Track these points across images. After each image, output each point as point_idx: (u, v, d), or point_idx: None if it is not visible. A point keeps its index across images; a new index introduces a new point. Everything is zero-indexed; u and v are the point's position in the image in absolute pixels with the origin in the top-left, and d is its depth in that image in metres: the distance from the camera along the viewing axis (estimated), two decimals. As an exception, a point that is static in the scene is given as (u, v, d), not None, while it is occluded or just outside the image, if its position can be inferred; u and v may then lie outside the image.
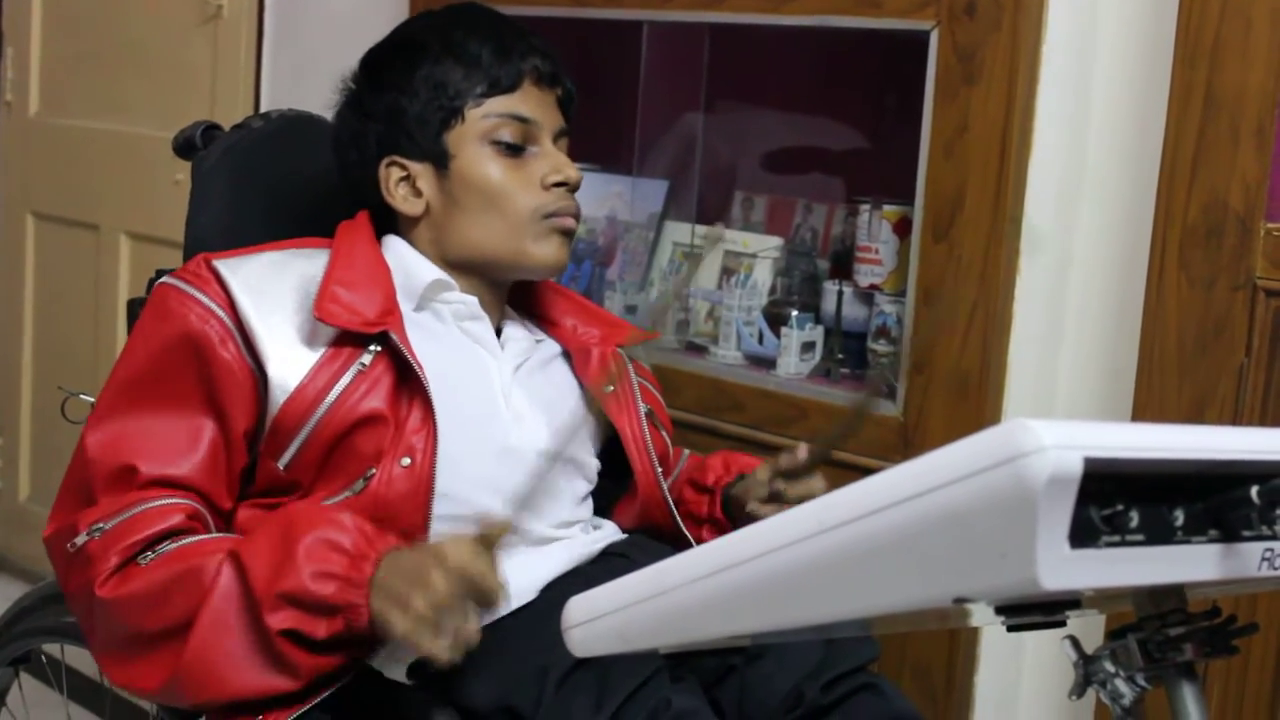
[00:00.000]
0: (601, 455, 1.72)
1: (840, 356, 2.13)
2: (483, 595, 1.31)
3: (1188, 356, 1.74)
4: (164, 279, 1.54)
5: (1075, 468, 0.81)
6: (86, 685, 2.31)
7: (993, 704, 1.97)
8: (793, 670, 1.49)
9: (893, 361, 2.01)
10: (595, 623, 1.04)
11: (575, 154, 1.69)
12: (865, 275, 2.09)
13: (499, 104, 1.62)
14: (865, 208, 2.08)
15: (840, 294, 2.12)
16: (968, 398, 1.87)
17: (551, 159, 1.64)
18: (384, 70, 1.66)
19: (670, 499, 1.68)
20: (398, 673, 1.45)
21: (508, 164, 1.62)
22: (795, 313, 2.15)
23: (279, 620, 1.34)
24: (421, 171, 1.63)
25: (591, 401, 1.68)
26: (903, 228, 2.03)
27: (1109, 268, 1.89)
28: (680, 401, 2.13)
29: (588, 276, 2.46)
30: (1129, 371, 1.82)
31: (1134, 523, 0.86)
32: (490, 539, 1.33)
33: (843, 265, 2.19)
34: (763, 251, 2.30)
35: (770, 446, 2.05)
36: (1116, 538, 0.85)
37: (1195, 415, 1.73)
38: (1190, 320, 1.74)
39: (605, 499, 1.72)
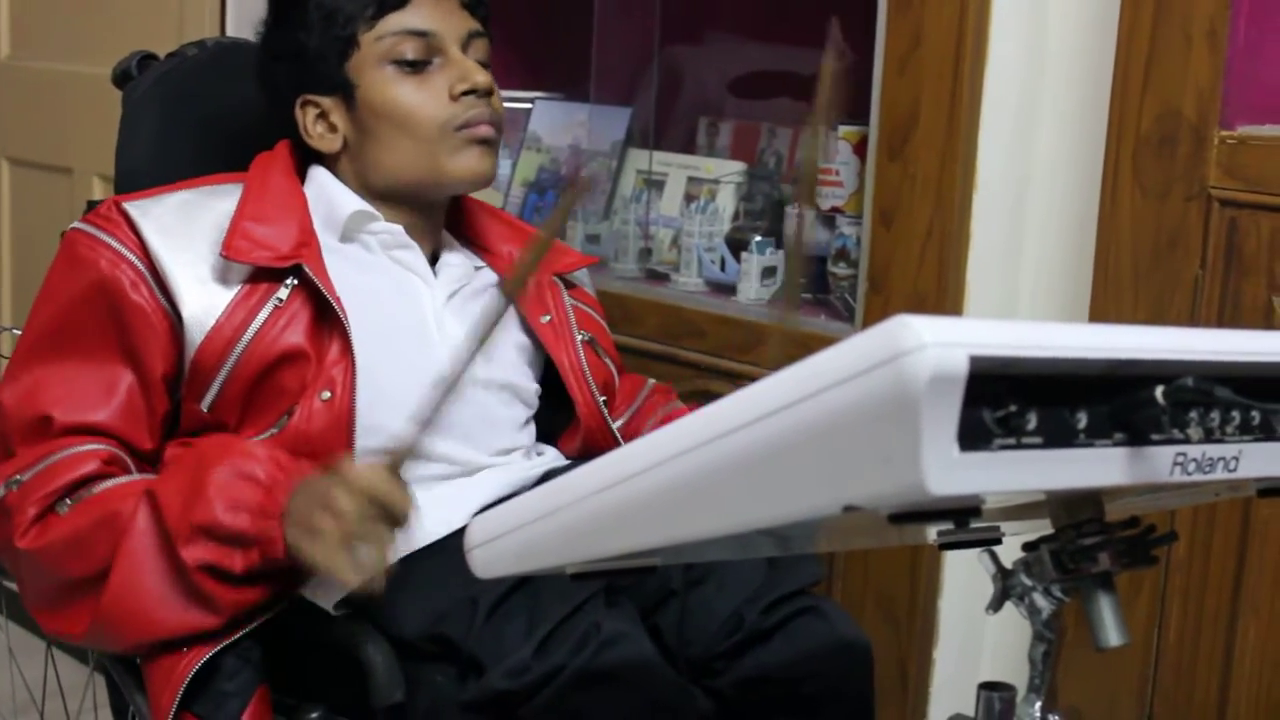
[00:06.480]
0: (545, 385, 1.69)
1: (801, 280, 2.09)
2: (391, 514, 1.28)
3: (1143, 269, 1.70)
4: (74, 224, 1.50)
5: (960, 366, 0.77)
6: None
7: (959, 630, 1.95)
8: (732, 594, 1.46)
9: (851, 284, 1.98)
10: (495, 543, 1.02)
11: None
12: (827, 198, 2.05)
13: (392, 22, 1.56)
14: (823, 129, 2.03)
15: (800, 217, 2.08)
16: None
17: (457, 67, 1.57)
18: (284, 6, 1.61)
19: (613, 426, 1.64)
20: (327, 603, 1.42)
21: (412, 82, 1.56)
22: (757, 238, 2.11)
23: (194, 554, 1.32)
24: (332, 106, 1.58)
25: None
26: (863, 148, 1.98)
27: (1067, 181, 1.85)
28: (641, 329, 2.10)
29: (551, 206, 2.42)
30: (1088, 286, 1.77)
31: (1031, 425, 0.82)
32: (396, 461, 1.30)
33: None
34: (725, 177, 2.26)
35: (731, 373, 2.03)
36: (1011, 440, 0.81)
37: (1152, 330, 1.69)
38: (1145, 232, 1.70)
39: (551, 429, 1.69)
